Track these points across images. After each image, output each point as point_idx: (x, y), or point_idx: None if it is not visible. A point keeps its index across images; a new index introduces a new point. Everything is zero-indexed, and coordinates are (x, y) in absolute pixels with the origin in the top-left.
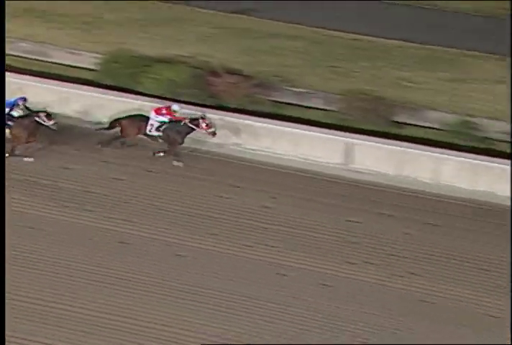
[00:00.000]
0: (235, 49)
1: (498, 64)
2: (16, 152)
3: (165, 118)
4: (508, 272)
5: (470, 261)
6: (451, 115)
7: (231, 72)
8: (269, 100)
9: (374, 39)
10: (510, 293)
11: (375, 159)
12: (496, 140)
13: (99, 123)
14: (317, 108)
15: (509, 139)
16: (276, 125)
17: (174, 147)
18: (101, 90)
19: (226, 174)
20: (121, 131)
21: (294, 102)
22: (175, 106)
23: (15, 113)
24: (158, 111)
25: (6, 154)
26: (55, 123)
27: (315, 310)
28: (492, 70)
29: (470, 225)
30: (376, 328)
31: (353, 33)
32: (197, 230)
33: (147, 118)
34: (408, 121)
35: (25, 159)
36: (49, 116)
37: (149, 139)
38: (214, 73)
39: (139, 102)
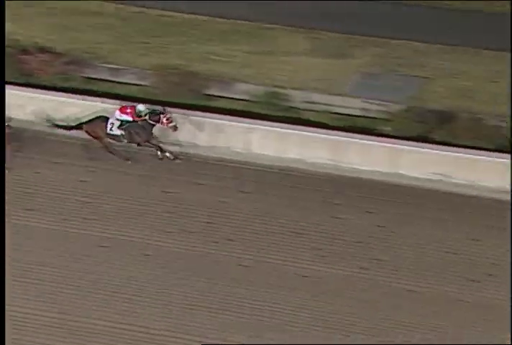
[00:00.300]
0: (45, 27)
1: (302, 37)
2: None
3: (129, 118)
4: (320, 235)
5: (285, 225)
6: (258, 86)
7: (43, 50)
8: (82, 76)
9: (180, 14)
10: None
11: (188, 131)
12: (301, 109)
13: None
14: (130, 84)
15: (313, 108)
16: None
17: (136, 143)
18: None
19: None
20: (90, 136)
21: (107, 78)
22: (140, 106)
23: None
24: (123, 110)
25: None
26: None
27: (135, 278)
28: (296, 42)
29: (282, 191)
30: (197, 292)
31: (156, 9)
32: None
33: (107, 119)
34: (218, 94)
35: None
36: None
37: (112, 139)
38: (26, 51)
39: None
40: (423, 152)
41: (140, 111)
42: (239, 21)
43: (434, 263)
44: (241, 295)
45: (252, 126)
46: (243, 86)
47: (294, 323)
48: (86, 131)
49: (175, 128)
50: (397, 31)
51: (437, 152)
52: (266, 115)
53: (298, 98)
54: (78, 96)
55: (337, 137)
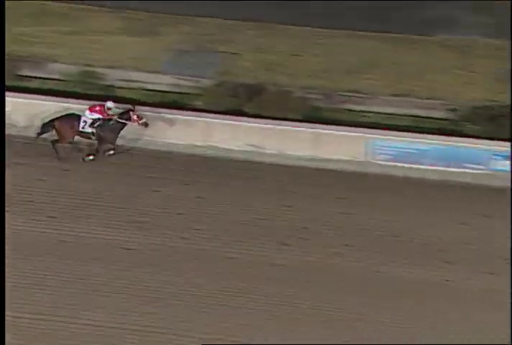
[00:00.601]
0: None
1: (113, 16)
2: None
3: (98, 116)
4: (140, 207)
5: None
6: (72, 66)
7: None
8: None
9: None
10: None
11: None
12: (116, 87)
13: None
14: None
15: (127, 86)
16: None
17: (105, 144)
18: None
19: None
20: (58, 133)
21: None
22: (109, 104)
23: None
24: (92, 109)
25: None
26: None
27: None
28: (108, 22)
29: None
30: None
31: None
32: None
33: (79, 117)
34: (31, 74)
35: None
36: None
37: (82, 137)
38: None
39: None
40: (235, 124)
41: (109, 108)
42: (48, 3)
43: (249, 229)
44: None
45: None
46: (56, 66)
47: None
48: (55, 127)
49: (146, 125)
50: (202, 9)
51: (248, 124)
52: (83, 94)
53: (112, 76)
54: None
55: (151, 113)
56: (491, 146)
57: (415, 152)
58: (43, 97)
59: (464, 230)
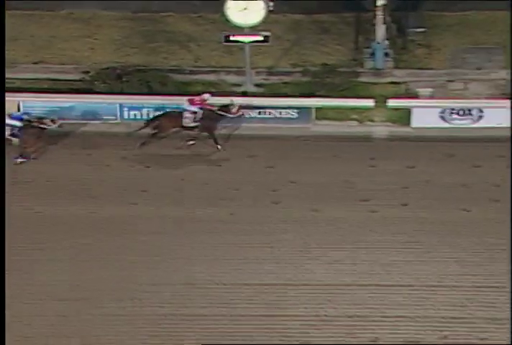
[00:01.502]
0: None
1: None
2: (23, 156)
3: (198, 109)
4: None
5: None
6: None
7: None
8: None
9: None
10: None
11: None
12: None
13: None
14: None
15: None
16: None
17: (212, 135)
18: None
19: None
20: (159, 127)
21: None
22: (206, 95)
23: (18, 124)
24: (192, 101)
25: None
26: (59, 125)
27: None
28: None
29: None
30: None
31: None
32: None
33: (181, 113)
34: None
35: (22, 159)
36: (53, 120)
37: (186, 131)
38: None
39: None
40: None
41: (206, 100)
42: None
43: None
44: None
45: None
46: None
47: None
48: (160, 123)
49: (241, 116)
50: None
51: None
52: None
53: None
54: None
55: None
56: (119, 100)
57: (58, 109)
58: None
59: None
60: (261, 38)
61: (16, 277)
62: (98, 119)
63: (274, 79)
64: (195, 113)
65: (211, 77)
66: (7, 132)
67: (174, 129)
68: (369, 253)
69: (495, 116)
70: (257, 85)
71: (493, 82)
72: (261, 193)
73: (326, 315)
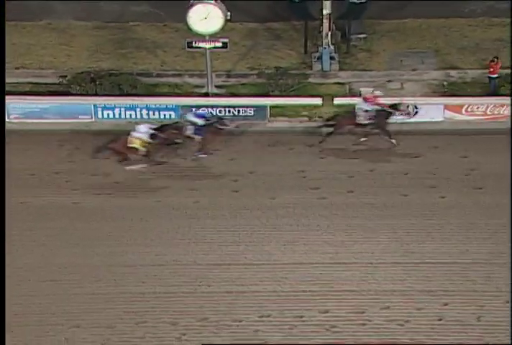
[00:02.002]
0: None
1: None
2: (203, 152)
3: (372, 107)
4: None
5: None
6: None
7: None
8: None
9: None
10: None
11: None
12: None
13: None
14: None
15: None
16: None
17: (385, 131)
18: None
19: None
20: (336, 125)
21: None
22: (378, 92)
23: (199, 122)
24: (367, 99)
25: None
26: (236, 126)
27: None
28: None
29: None
30: None
31: None
32: None
33: (354, 112)
34: None
35: (202, 155)
36: (232, 121)
37: (359, 129)
38: None
39: None
40: None
41: (378, 97)
42: None
43: None
44: None
45: None
46: None
47: None
48: (337, 121)
49: (409, 114)
50: None
51: None
52: None
53: None
54: None
55: None
56: (94, 101)
57: (38, 110)
58: None
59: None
60: (220, 44)
61: (6, 261)
62: (74, 118)
63: (232, 81)
64: (367, 111)
65: (176, 80)
66: (189, 131)
67: (349, 127)
68: (319, 235)
69: (428, 112)
70: (218, 87)
71: (426, 82)
72: (223, 183)
73: (282, 291)
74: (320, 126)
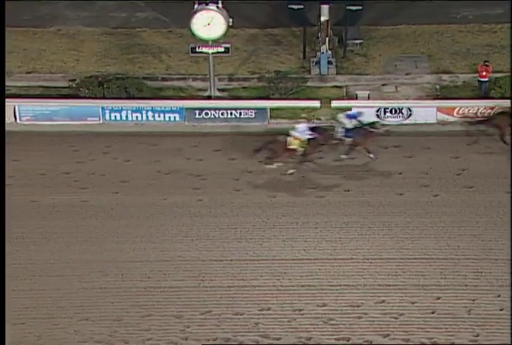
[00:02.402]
0: None
1: None
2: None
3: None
4: None
5: None
6: None
7: None
8: None
9: None
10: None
11: None
12: None
13: None
14: None
15: None
16: None
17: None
18: None
19: None
20: (498, 125)
21: None
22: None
23: (349, 124)
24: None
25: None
26: (386, 129)
27: None
28: None
29: None
30: None
31: None
32: None
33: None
34: None
35: (371, 155)
36: (383, 125)
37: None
38: None
39: None
40: None
41: None
42: None
43: None
44: None
45: None
46: None
47: None
48: (497, 121)
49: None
50: None
51: None
52: None
53: None
54: None
55: None
56: (101, 104)
57: (48, 112)
58: None
59: None
60: (223, 49)
61: (16, 257)
62: (82, 120)
63: (234, 84)
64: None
65: (180, 84)
66: (340, 133)
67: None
68: (317, 232)
69: (422, 114)
70: (220, 90)
71: (420, 85)
72: (225, 182)
73: (281, 285)
74: (472, 124)
